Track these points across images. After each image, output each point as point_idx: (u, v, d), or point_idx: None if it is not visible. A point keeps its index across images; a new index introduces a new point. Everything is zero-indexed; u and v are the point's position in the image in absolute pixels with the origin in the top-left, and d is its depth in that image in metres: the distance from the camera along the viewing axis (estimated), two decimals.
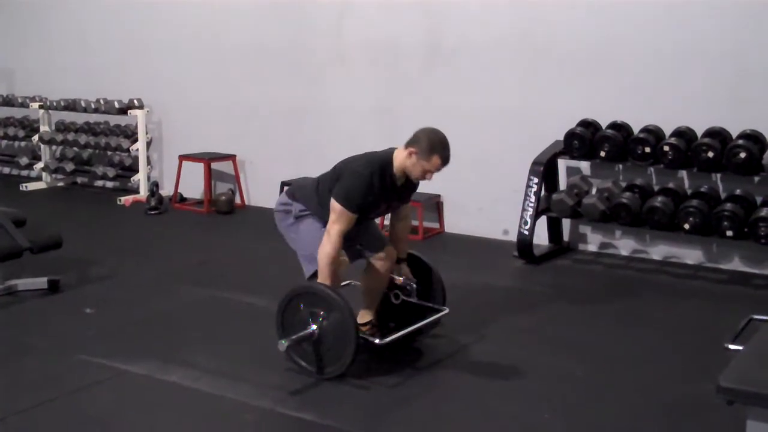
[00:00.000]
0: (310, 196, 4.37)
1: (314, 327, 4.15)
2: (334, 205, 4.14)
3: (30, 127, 9.86)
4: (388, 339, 4.34)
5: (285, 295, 4.27)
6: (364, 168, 4.19)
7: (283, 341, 4.12)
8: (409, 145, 4.21)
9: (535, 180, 6.36)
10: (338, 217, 4.13)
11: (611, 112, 6.38)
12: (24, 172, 10.05)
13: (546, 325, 5.15)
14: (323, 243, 4.16)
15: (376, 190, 4.19)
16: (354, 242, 4.43)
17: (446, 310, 4.67)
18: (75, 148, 9.41)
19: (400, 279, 4.57)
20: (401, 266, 4.58)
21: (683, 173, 6.22)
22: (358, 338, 4.09)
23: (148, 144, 9.07)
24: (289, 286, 4.33)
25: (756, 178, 5.89)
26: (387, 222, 4.75)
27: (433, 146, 4.17)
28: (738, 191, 5.90)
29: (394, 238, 4.59)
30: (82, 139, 9.16)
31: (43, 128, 9.58)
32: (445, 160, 4.22)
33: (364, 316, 4.71)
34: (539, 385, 4.25)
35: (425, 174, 4.23)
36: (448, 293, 4.78)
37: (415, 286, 4.61)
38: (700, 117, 6.05)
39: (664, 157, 5.94)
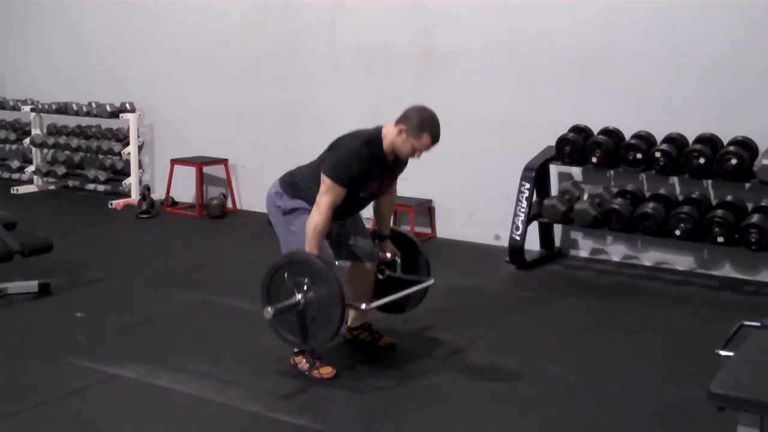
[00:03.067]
0: (310, 188, 4.26)
1: (300, 296, 4.07)
2: (324, 178, 4.11)
3: (21, 130, 9.82)
4: (374, 304, 4.32)
5: (271, 265, 4.18)
6: (353, 141, 4.17)
7: (269, 308, 4.05)
8: (399, 122, 4.18)
9: (527, 185, 6.37)
10: (328, 189, 4.10)
11: (603, 118, 6.39)
12: (15, 175, 10.01)
13: (537, 331, 5.15)
14: (312, 214, 4.11)
15: (365, 165, 4.14)
16: (346, 239, 4.42)
17: (432, 281, 4.66)
18: (66, 152, 9.38)
19: (386, 255, 4.57)
20: (386, 243, 4.56)
21: (674, 179, 6.23)
22: (344, 308, 4.02)
23: (140, 147, 9.06)
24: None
25: (747, 185, 5.90)
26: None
27: (423, 124, 4.15)
28: (729, 198, 5.92)
29: (378, 213, 4.58)
30: (74, 142, 9.14)
31: (35, 131, 9.54)
32: (435, 138, 4.19)
33: (356, 320, 4.72)
34: (531, 391, 4.25)
35: (414, 152, 4.19)
36: (439, 297, 4.79)
37: (399, 261, 4.62)
38: (691, 123, 6.07)
39: (655, 163, 5.96)
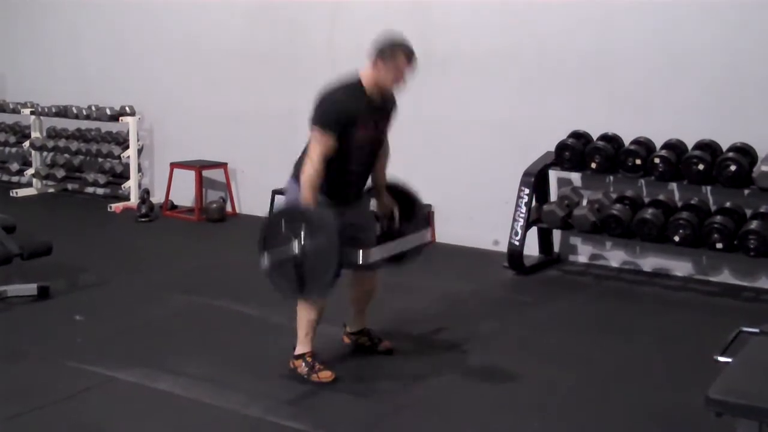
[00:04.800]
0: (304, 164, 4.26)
1: (296, 246, 4.02)
2: (312, 130, 4.13)
3: (21, 133, 9.83)
4: (372, 257, 4.21)
5: (268, 216, 4.17)
6: (331, 88, 4.20)
7: (265, 258, 4.04)
8: (371, 57, 4.21)
9: (526, 191, 6.37)
10: (316, 139, 4.12)
11: (602, 124, 6.40)
12: (14, 178, 10.02)
13: (536, 336, 5.15)
14: (305, 167, 4.12)
15: (350, 106, 4.16)
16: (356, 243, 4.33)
17: (428, 230, 4.62)
18: (66, 155, 9.38)
19: (384, 209, 4.54)
20: (382, 196, 4.53)
21: (673, 185, 6.24)
22: (341, 257, 3.97)
23: (140, 151, 9.06)
24: (279, 294, 4.30)
25: (746, 191, 5.91)
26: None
27: (393, 45, 4.19)
28: (728, 204, 5.92)
29: (373, 168, 4.52)
30: (74, 145, 9.14)
31: (35, 134, 9.55)
32: (409, 54, 4.20)
33: (355, 325, 4.73)
34: (529, 395, 4.25)
35: (398, 78, 4.21)
36: (438, 302, 4.79)
37: (397, 213, 4.60)
38: (690, 129, 6.08)
39: (654, 169, 5.97)
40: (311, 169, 4.10)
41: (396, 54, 4.16)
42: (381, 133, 4.40)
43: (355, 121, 4.16)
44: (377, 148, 4.41)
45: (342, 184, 4.28)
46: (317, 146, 4.11)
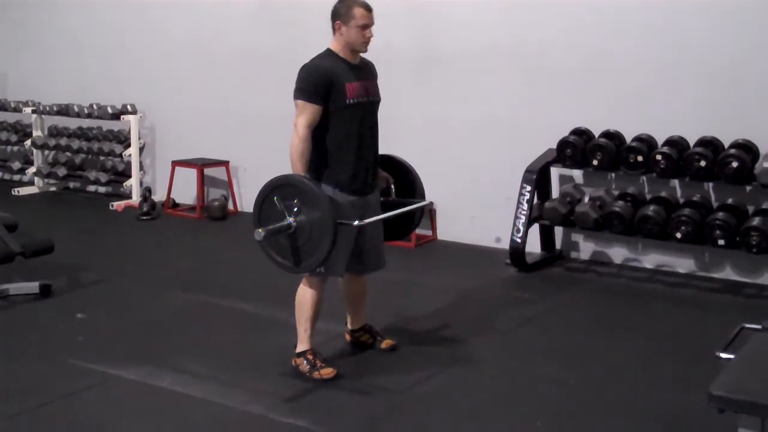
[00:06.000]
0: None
1: (291, 219, 4.02)
2: (296, 102, 4.20)
3: (23, 131, 9.84)
4: (366, 221, 4.20)
5: (262, 189, 4.15)
6: (306, 64, 4.28)
7: (260, 230, 4.01)
8: (332, 26, 4.30)
9: (528, 188, 6.37)
10: (300, 110, 4.18)
11: (604, 121, 6.39)
12: (16, 177, 10.02)
13: (538, 333, 5.15)
14: (291, 138, 4.17)
15: (329, 72, 4.20)
16: (358, 250, 4.36)
17: (426, 202, 4.65)
18: (68, 153, 9.39)
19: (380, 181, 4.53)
20: (376, 169, 4.50)
21: (675, 182, 6.23)
22: (335, 230, 3.93)
23: (141, 149, 9.06)
24: (281, 291, 4.31)
25: (748, 188, 5.91)
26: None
27: (346, 3, 4.25)
28: (730, 200, 5.92)
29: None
30: (75, 144, 9.15)
31: (36, 133, 9.56)
32: (365, 6, 4.25)
33: (355, 323, 4.72)
34: (531, 393, 4.25)
35: (364, 34, 4.24)
36: (440, 299, 4.79)
37: (393, 185, 4.62)
38: (692, 126, 6.07)
39: (656, 166, 5.96)
40: (297, 139, 4.15)
41: (352, 9, 4.23)
42: (373, 96, 4.39)
43: (338, 79, 4.20)
44: (375, 113, 4.41)
45: (354, 162, 4.25)
46: (302, 116, 4.17)
